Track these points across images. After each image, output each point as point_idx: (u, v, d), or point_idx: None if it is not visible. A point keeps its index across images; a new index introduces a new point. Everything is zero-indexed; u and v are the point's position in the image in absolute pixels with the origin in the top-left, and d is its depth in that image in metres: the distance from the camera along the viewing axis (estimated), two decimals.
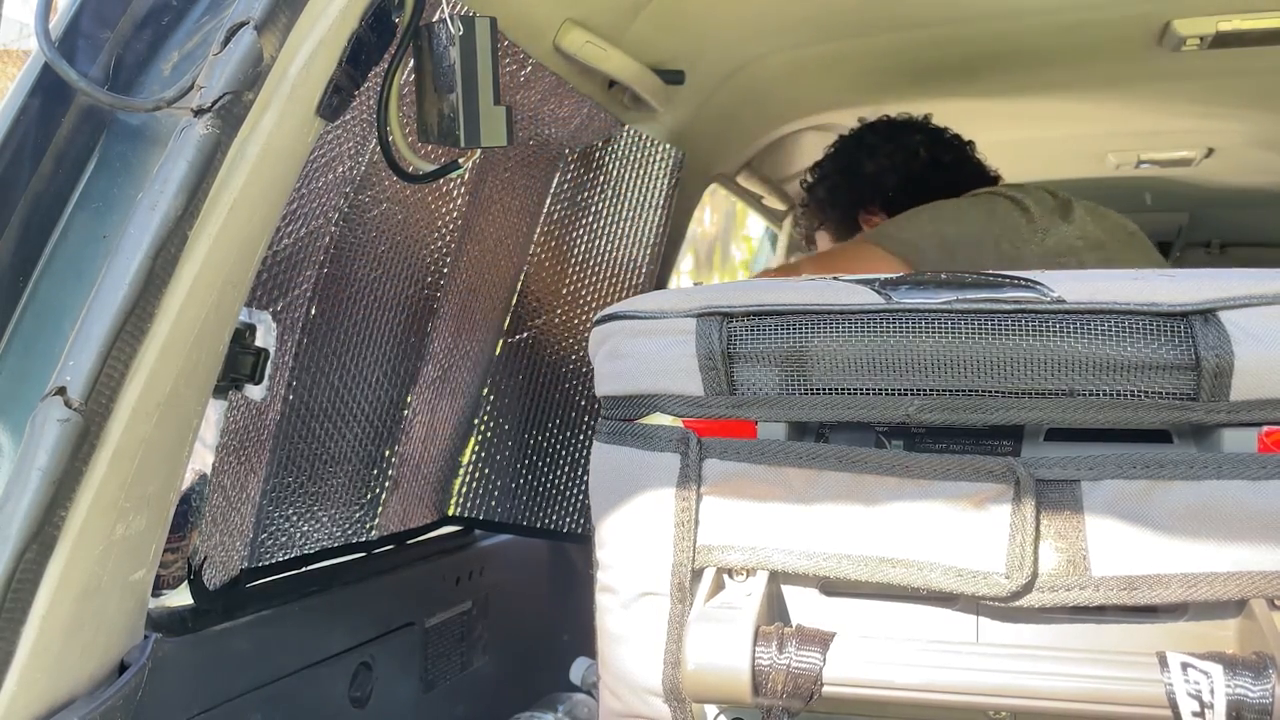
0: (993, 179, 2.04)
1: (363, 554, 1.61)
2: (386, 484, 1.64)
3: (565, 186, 1.93)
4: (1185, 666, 0.80)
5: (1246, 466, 0.85)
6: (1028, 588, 0.87)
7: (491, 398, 1.94)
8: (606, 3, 1.52)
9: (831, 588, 0.95)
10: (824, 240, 2.21)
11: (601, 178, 2.00)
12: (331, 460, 1.51)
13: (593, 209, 2.01)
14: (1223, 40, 1.70)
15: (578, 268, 2.00)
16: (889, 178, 2.03)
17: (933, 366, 0.91)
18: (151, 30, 0.99)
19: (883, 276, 0.99)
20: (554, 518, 2.00)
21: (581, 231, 2.00)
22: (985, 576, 0.88)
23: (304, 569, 1.48)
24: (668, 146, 2.00)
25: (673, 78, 1.79)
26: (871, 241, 1.79)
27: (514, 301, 1.94)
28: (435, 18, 1.10)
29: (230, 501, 1.29)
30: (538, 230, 1.93)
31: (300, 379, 1.39)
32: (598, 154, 1.95)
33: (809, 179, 2.18)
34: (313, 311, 1.38)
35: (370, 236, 1.46)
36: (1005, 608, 0.89)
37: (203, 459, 1.22)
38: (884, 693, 0.86)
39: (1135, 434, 0.90)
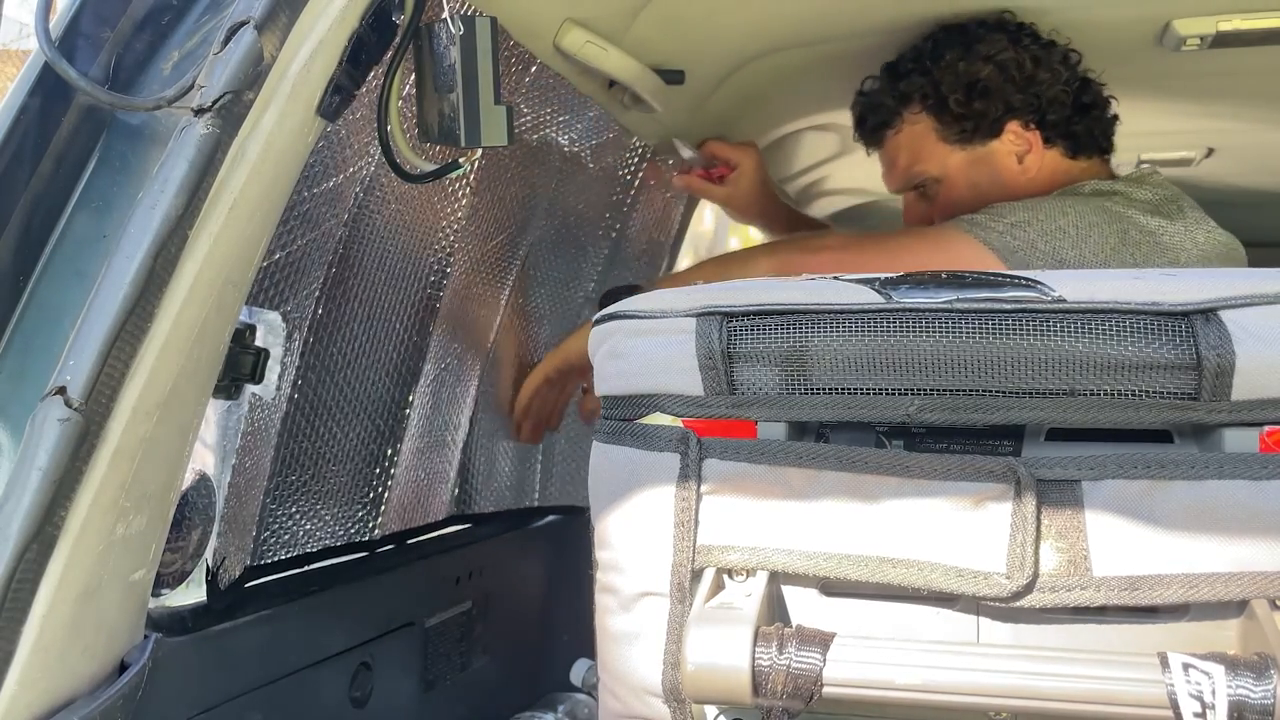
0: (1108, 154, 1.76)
1: (364, 553, 1.61)
2: (389, 482, 1.64)
3: (566, 186, 1.93)
4: (1187, 667, 0.79)
5: (1248, 466, 0.85)
6: (1028, 588, 0.87)
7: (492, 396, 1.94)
8: (607, 3, 1.52)
9: (831, 588, 0.95)
10: (909, 155, 1.74)
11: (602, 177, 1.99)
12: (335, 459, 1.51)
13: (593, 209, 2.01)
14: (1223, 40, 1.70)
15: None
16: (1061, 99, 1.67)
17: (933, 366, 0.91)
18: (152, 30, 0.99)
19: (883, 276, 0.99)
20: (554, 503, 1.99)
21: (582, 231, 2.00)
22: (986, 577, 0.88)
23: (304, 568, 1.47)
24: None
25: (673, 78, 1.78)
26: (964, 232, 1.50)
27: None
28: (436, 17, 1.10)
29: (232, 500, 1.29)
30: (539, 230, 1.93)
31: (305, 378, 1.39)
32: (598, 154, 1.95)
33: (913, 64, 1.70)
34: (319, 311, 1.38)
35: (377, 237, 1.46)
36: (1006, 608, 0.89)
37: (204, 458, 1.22)
38: (884, 693, 0.86)
39: (1136, 434, 0.90)
